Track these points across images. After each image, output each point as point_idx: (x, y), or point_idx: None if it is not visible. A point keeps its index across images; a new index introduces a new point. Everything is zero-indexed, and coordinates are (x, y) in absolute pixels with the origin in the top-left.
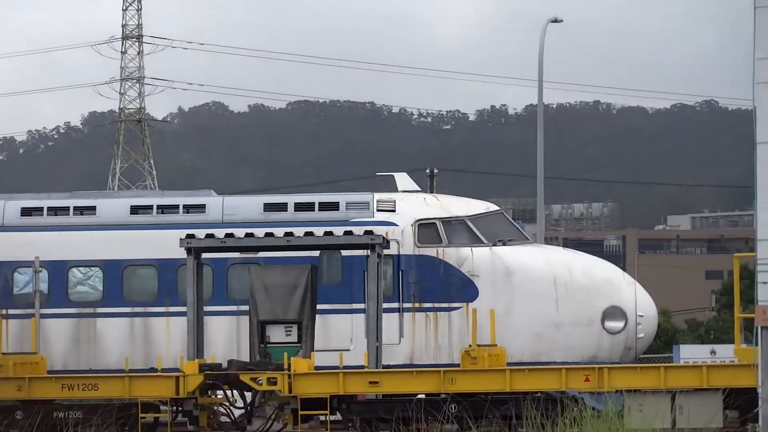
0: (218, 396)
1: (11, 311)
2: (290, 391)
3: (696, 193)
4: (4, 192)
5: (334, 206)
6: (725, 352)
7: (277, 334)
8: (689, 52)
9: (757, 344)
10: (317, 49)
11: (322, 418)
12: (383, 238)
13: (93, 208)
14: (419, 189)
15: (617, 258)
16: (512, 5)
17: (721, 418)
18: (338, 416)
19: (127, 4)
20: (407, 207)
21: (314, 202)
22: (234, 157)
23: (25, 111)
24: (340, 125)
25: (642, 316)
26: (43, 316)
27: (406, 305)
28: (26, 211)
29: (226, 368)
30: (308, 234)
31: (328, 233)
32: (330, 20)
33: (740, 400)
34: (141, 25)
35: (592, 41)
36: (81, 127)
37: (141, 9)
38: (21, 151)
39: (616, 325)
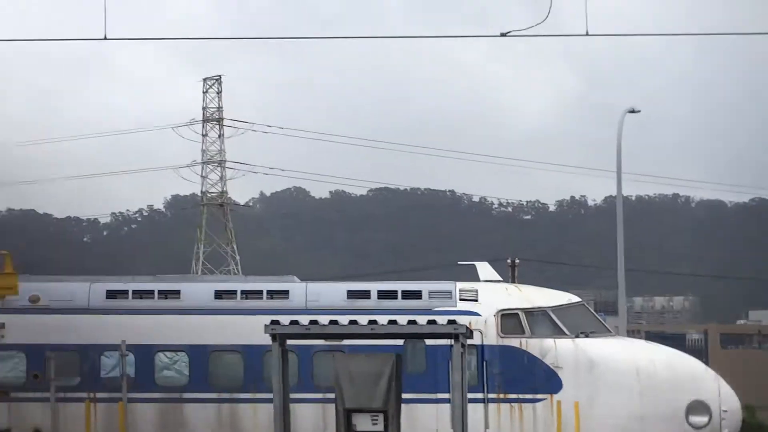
0: None
1: (98, 395)
2: None
3: None
4: (89, 274)
5: (417, 295)
6: None
7: (363, 423)
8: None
9: None
10: (397, 137)
11: None
12: (467, 327)
13: (177, 292)
14: (501, 279)
15: (699, 352)
16: (592, 97)
17: None
18: None
19: (207, 86)
20: (490, 297)
21: (397, 290)
22: (315, 243)
23: (107, 193)
24: (421, 213)
25: (726, 411)
26: (131, 400)
27: (491, 395)
28: (111, 294)
29: None
30: (392, 322)
31: (412, 322)
32: (409, 109)
33: None
34: (221, 107)
35: (670, 131)
36: (164, 209)
37: (221, 92)
38: (105, 233)
39: (700, 419)
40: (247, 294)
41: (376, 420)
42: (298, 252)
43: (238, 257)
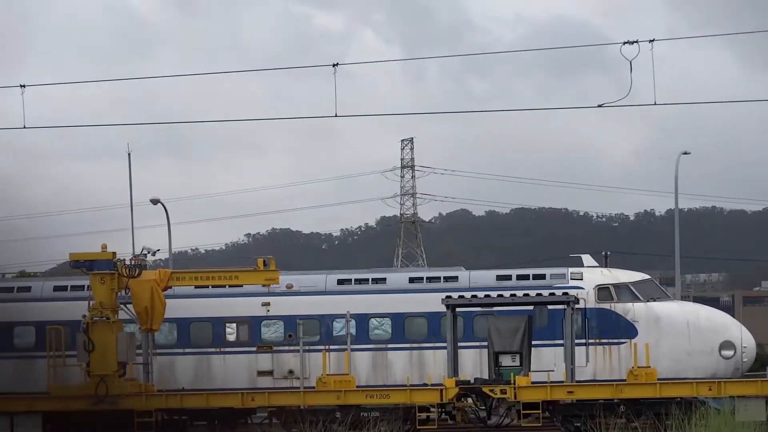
0: (468, 401)
1: (331, 347)
2: (515, 398)
3: None
4: (330, 269)
5: (542, 277)
6: None
7: (506, 361)
8: None
9: None
10: (530, 173)
11: (537, 416)
12: (575, 297)
13: (384, 279)
14: (597, 265)
15: (729, 309)
16: (661, 142)
17: None
18: (547, 414)
19: (404, 144)
20: (590, 277)
21: (529, 274)
22: (477, 246)
23: (338, 216)
24: (546, 223)
25: (746, 347)
26: (353, 350)
27: (591, 341)
28: (340, 282)
29: (473, 383)
30: (526, 295)
31: (539, 294)
32: (537, 154)
33: None
34: (413, 158)
35: (719, 166)
36: (375, 226)
37: (413, 147)
38: (336, 243)
39: (728, 353)
40: (430, 279)
41: (515, 358)
42: (465, 252)
43: (425, 256)
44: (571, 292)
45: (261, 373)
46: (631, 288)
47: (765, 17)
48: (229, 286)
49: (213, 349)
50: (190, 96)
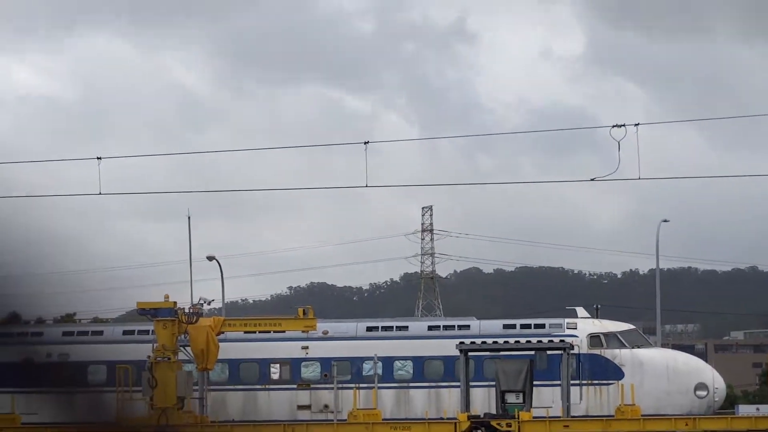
0: None
1: (361, 384)
2: (519, 430)
3: (748, 319)
4: (359, 317)
5: (542, 326)
6: (766, 409)
7: (511, 398)
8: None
9: None
10: (528, 235)
11: None
12: (570, 344)
13: (407, 327)
14: (589, 316)
15: (702, 355)
16: (644, 211)
17: None
18: None
19: (425, 211)
20: (583, 327)
21: (531, 324)
22: (487, 299)
23: (367, 273)
24: (545, 280)
25: (717, 388)
26: (379, 388)
27: (584, 381)
28: (369, 329)
29: (483, 417)
30: (528, 342)
31: (539, 341)
32: (535, 221)
33: None
34: (432, 223)
35: (694, 232)
36: (399, 281)
37: (432, 214)
38: (365, 295)
39: (702, 393)
40: (446, 327)
41: (519, 396)
42: (476, 304)
43: (441, 307)
44: (567, 339)
45: (300, 407)
46: (619, 336)
47: (731, 106)
48: (274, 331)
49: (259, 386)
50: (241, 167)
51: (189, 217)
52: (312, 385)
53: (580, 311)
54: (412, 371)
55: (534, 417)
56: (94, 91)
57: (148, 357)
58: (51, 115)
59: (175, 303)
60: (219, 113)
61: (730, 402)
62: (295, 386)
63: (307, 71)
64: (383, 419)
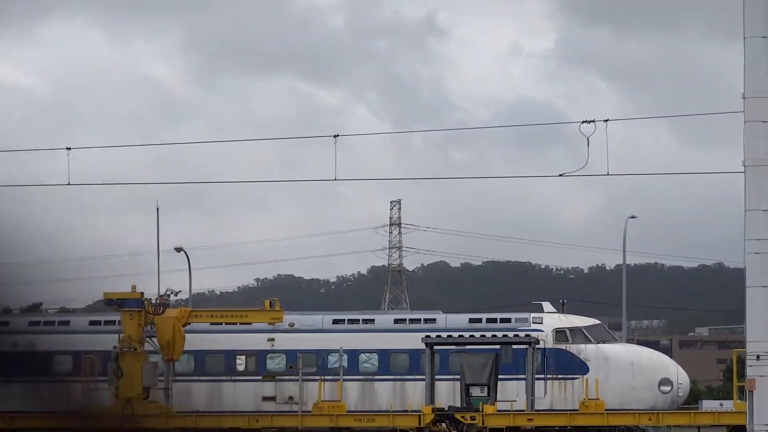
0: (443, 426)
1: (326, 377)
2: (483, 423)
3: (713, 316)
4: (326, 310)
5: (508, 320)
6: (729, 405)
7: (476, 391)
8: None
9: (745, 400)
10: (502, 229)
11: None
12: (536, 339)
13: (373, 320)
14: (555, 311)
15: (667, 351)
16: (612, 207)
17: None
18: None
19: (393, 205)
20: (549, 321)
21: (497, 318)
22: (453, 293)
23: (335, 265)
24: (513, 274)
25: (681, 384)
26: (344, 380)
27: (548, 376)
28: (335, 321)
29: (447, 410)
30: (493, 336)
31: (505, 335)
32: (505, 213)
33: None
34: (400, 217)
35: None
36: (366, 274)
37: (401, 207)
38: (332, 288)
39: (666, 388)
40: (412, 320)
41: (483, 390)
42: (443, 298)
43: (408, 301)
44: (533, 334)
45: (265, 399)
46: (584, 331)
47: (701, 103)
48: (240, 323)
49: (225, 377)
50: (212, 159)
51: (157, 209)
52: (277, 377)
53: (546, 306)
54: (377, 364)
55: (498, 410)
56: (65, 82)
57: (114, 347)
58: (22, 105)
59: (141, 294)
60: (191, 107)
61: (693, 397)
62: (260, 378)
63: (279, 66)
64: (348, 411)
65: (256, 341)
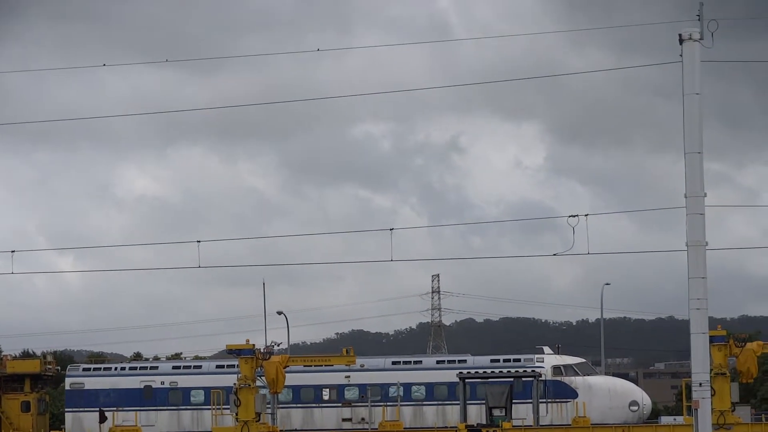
0: None
1: (388, 403)
2: None
3: (667, 354)
4: (387, 355)
5: (519, 360)
6: (680, 420)
7: (497, 412)
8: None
9: (692, 416)
10: (513, 293)
11: None
12: (539, 373)
13: (421, 361)
14: (553, 352)
15: (635, 381)
16: (592, 276)
17: None
18: None
19: (434, 278)
20: (548, 360)
21: (511, 358)
22: (479, 341)
23: (393, 322)
24: (521, 328)
25: (645, 404)
26: (401, 405)
27: (549, 400)
28: (394, 363)
29: (476, 426)
30: (509, 372)
31: (517, 371)
32: (513, 280)
33: None
34: (439, 286)
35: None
36: (415, 328)
37: (439, 279)
38: (391, 338)
39: (634, 408)
40: (449, 361)
41: (502, 411)
42: (472, 345)
43: (446, 347)
44: (537, 369)
45: (344, 420)
46: (574, 367)
47: (651, 200)
48: (325, 365)
49: (314, 405)
50: (300, 247)
51: (264, 284)
52: (352, 404)
53: (546, 349)
54: (425, 393)
55: (513, 426)
56: (192, 192)
57: (234, 384)
58: (160, 209)
59: (253, 345)
60: (283, 209)
61: (654, 414)
62: (340, 404)
63: (345, 178)
64: (404, 428)
65: (337, 378)
